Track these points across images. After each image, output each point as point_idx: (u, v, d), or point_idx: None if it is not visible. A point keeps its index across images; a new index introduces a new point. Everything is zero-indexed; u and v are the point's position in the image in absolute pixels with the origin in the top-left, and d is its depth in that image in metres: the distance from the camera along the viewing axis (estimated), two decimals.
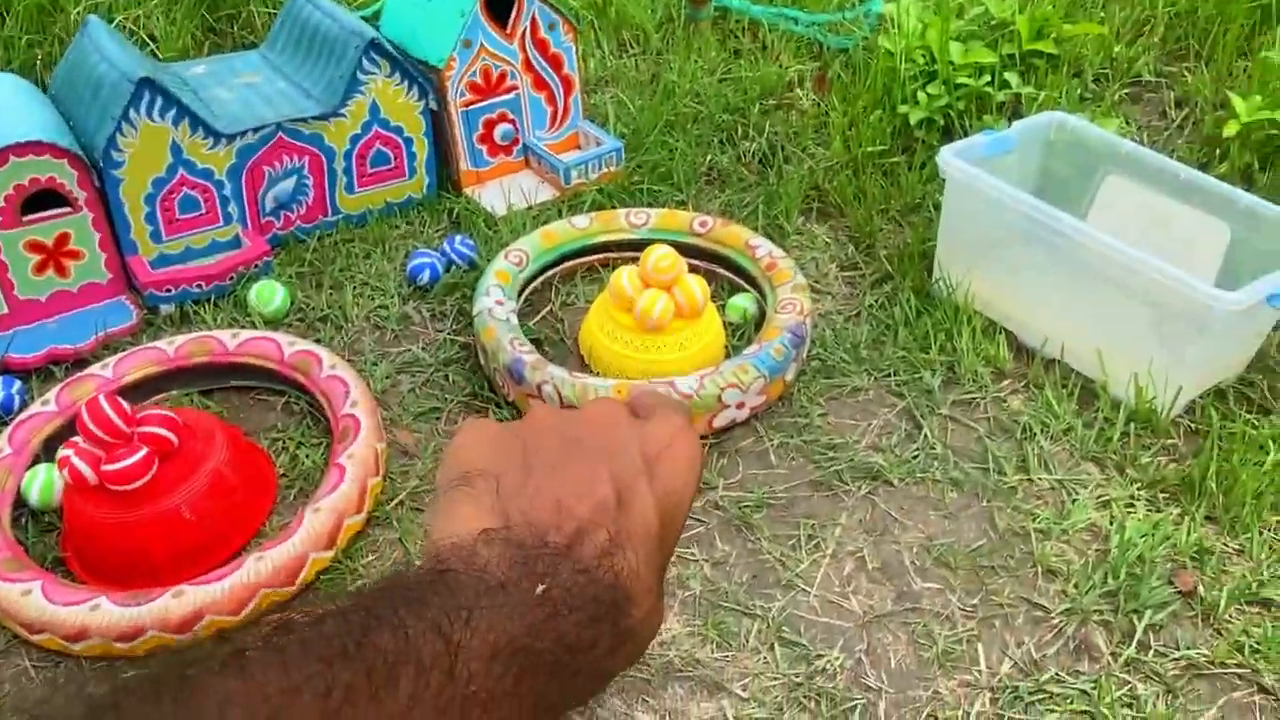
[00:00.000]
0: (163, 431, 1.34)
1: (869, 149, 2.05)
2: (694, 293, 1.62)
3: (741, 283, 1.80)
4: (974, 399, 1.57)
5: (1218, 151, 2.01)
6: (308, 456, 1.50)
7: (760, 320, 1.72)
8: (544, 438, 0.37)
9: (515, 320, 1.66)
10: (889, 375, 1.63)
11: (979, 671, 1.22)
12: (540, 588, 0.31)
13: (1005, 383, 1.61)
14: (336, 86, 1.87)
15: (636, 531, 0.34)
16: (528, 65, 2.04)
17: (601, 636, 0.32)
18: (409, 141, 1.98)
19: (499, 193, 2.03)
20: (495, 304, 1.65)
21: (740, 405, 1.53)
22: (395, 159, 1.98)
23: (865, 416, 1.56)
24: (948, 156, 1.63)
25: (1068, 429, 1.50)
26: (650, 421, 0.38)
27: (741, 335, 1.72)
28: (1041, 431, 1.50)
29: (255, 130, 1.82)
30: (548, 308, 1.80)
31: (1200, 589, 1.29)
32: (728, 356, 1.68)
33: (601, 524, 0.33)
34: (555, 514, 0.33)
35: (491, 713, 0.30)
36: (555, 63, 2.07)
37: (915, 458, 1.47)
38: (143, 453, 1.31)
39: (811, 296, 1.73)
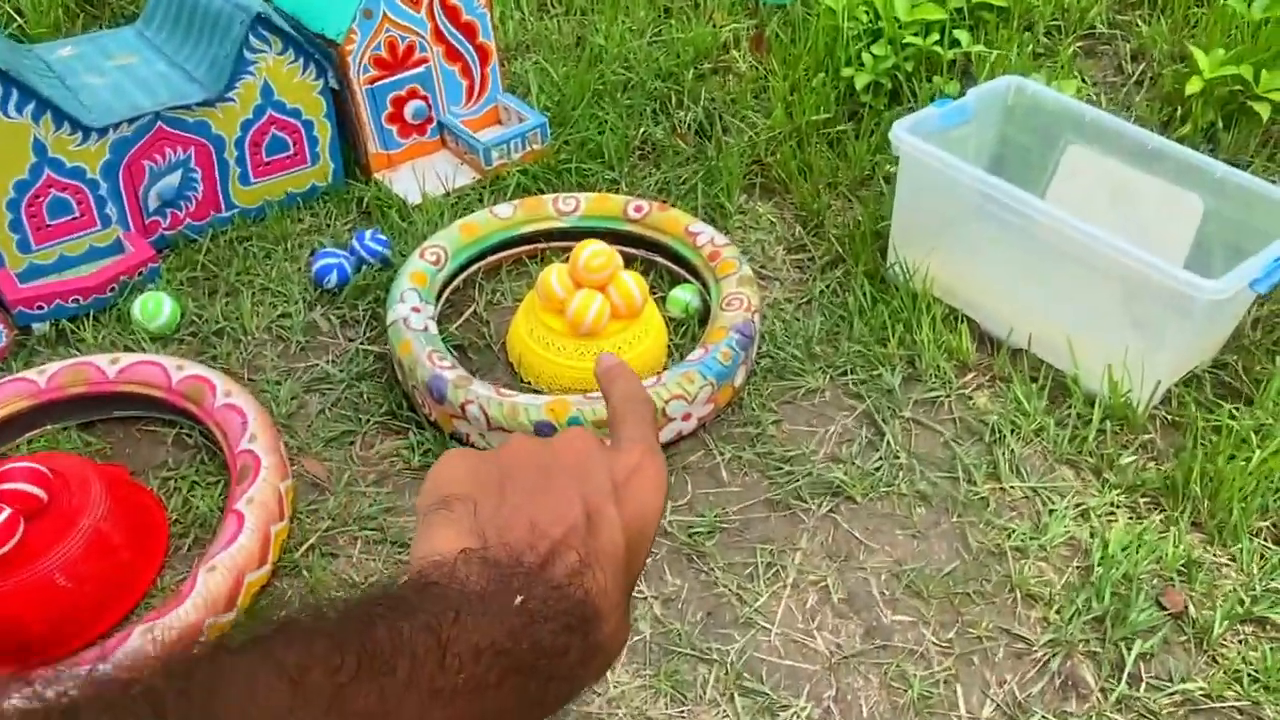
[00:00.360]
0: (28, 488, 1.17)
1: (812, 117, 1.90)
2: (631, 292, 1.47)
3: (683, 273, 1.65)
4: (938, 397, 1.45)
5: (1179, 110, 1.90)
6: (203, 498, 1.34)
7: (705, 314, 1.58)
8: (520, 465, 0.38)
9: (434, 328, 1.49)
10: (845, 373, 1.50)
11: (959, 717, 1.11)
12: (518, 599, 0.33)
13: (970, 377, 1.49)
14: (222, 67, 1.67)
15: (605, 552, 0.35)
16: (438, 35, 1.85)
17: (573, 646, 0.34)
18: (309, 125, 1.79)
19: (413, 178, 1.85)
20: (411, 311, 1.49)
21: (687, 417, 1.39)
22: (294, 145, 1.79)
23: (822, 422, 1.43)
24: (900, 133, 1.49)
25: (1039, 429, 1.39)
26: (619, 447, 0.40)
27: (684, 331, 1.58)
28: (1012, 433, 1.38)
29: (131, 121, 1.62)
30: (471, 309, 1.64)
31: (1190, 608, 1.19)
32: (670, 357, 1.54)
33: (572, 545, 0.35)
34: (529, 535, 0.35)
35: (476, 703, 0.31)
36: (468, 31, 1.88)
37: (878, 469, 1.35)
38: (5, 515, 1.14)
39: (759, 285, 1.59)
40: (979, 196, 1.43)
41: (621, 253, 1.67)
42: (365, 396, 1.50)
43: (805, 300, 1.64)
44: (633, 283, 1.47)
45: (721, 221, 1.78)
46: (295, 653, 0.30)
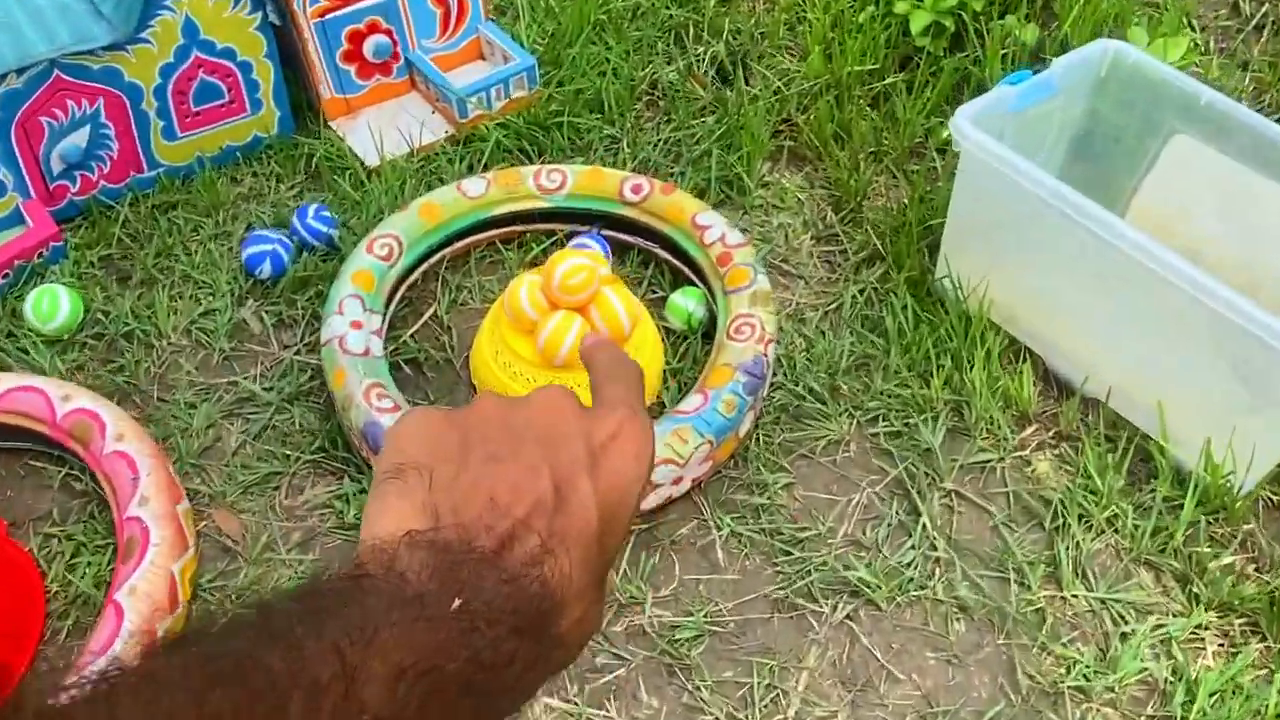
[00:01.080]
0: None
1: (855, 66, 1.57)
2: (617, 316, 1.19)
3: (687, 271, 1.37)
4: (988, 462, 1.18)
5: None
6: (88, 569, 1.11)
7: (710, 324, 1.30)
8: (485, 428, 0.34)
9: (380, 346, 1.23)
10: (877, 420, 1.22)
11: None
12: (457, 602, 0.29)
13: (1030, 432, 1.21)
14: (131, 4, 1.36)
15: (574, 530, 0.32)
16: None
17: (521, 652, 0.30)
18: (245, 67, 1.48)
19: (374, 130, 1.55)
20: (349, 328, 1.22)
21: (678, 480, 1.14)
22: (230, 91, 1.49)
23: (844, 488, 1.17)
24: (964, 125, 1.17)
25: (1114, 516, 1.12)
26: (598, 409, 0.36)
27: (684, 349, 1.30)
28: (1079, 519, 1.12)
29: (20, 71, 1.32)
30: (431, 308, 1.37)
31: None
32: (665, 386, 1.27)
33: (535, 526, 0.31)
34: (488, 512, 0.31)
35: None
36: None
37: (909, 563, 1.10)
38: None
39: (776, 298, 1.30)
40: (1057, 213, 1.12)
41: (615, 241, 1.39)
42: (297, 424, 1.25)
43: (833, 307, 1.36)
44: (619, 303, 1.19)
45: (739, 198, 1.48)
46: (146, 710, 0.26)
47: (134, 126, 1.44)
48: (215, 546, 1.14)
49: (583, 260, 1.17)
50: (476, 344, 1.28)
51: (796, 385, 1.26)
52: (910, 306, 1.31)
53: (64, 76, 1.35)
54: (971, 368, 1.23)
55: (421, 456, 0.33)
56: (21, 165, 1.38)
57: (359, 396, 1.16)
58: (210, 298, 1.37)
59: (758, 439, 1.21)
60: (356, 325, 1.23)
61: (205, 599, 1.10)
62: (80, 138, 1.40)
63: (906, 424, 1.21)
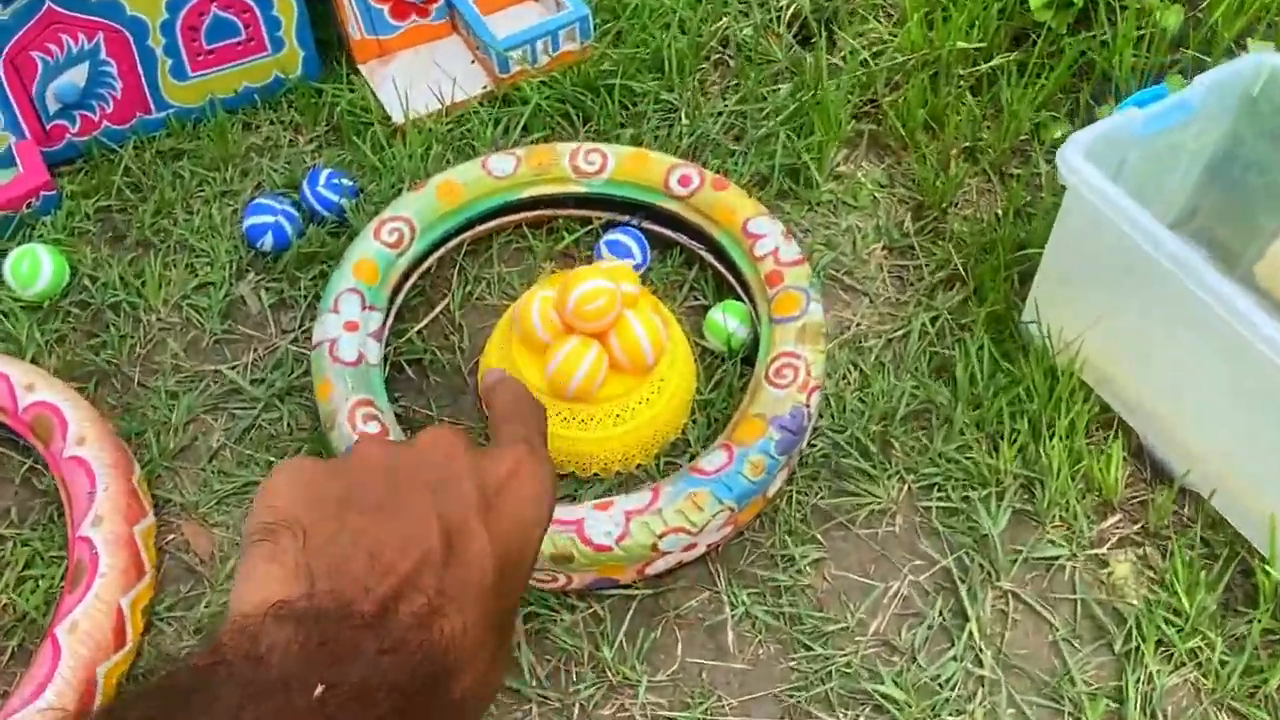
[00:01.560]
0: None
1: (960, 42, 1.35)
2: (640, 347, 1.03)
3: (732, 281, 1.19)
4: (1057, 559, 1.01)
5: None
6: (40, 583, 1.02)
7: (754, 346, 1.13)
8: (365, 477, 0.32)
9: (376, 351, 1.10)
10: (931, 489, 1.06)
11: None
12: (319, 690, 0.25)
13: (1111, 523, 1.03)
14: None
15: (469, 582, 0.29)
16: None
17: None
18: (264, 3, 1.32)
19: (404, 79, 1.38)
20: (343, 330, 1.09)
21: (691, 547, 1.00)
22: (248, 27, 1.34)
23: (882, 572, 1.01)
24: (1073, 159, 0.97)
25: (1199, 647, 0.95)
26: (492, 448, 0.34)
27: (718, 375, 1.14)
28: (1156, 646, 0.95)
29: (5, 3, 1.19)
30: (443, 302, 1.22)
31: None
32: (692, 419, 1.12)
33: (422, 581, 0.28)
34: (368, 572, 0.28)
35: None
36: None
37: (948, 679, 0.94)
38: None
39: (837, 302, 1.13)
40: (1171, 274, 0.92)
41: (656, 236, 1.22)
42: (286, 425, 1.13)
43: (898, 335, 1.18)
44: (643, 332, 1.03)
45: (805, 191, 1.29)
46: None
47: (139, 65, 1.30)
48: (180, 566, 1.04)
49: (603, 283, 1.01)
50: (486, 354, 1.14)
51: (842, 432, 1.10)
52: (988, 350, 1.12)
53: (56, 9, 1.21)
54: (1051, 437, 1.05)
55: (296, 512, 0.30)
56: (13, 103, 1.26)
57: (342, 415, 1.03)
58: (207, 268, 1.24)
59: (789, 498, 1.06)
60: (351, 326, 1.09)
61: (162, 629, 1.00)
62: (78, 75, 1.27)
63: (965, 499, 1.04)
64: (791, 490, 1.06)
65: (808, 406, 1.03)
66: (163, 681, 0.26)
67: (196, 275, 1.24)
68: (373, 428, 1.02)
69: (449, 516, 0.30)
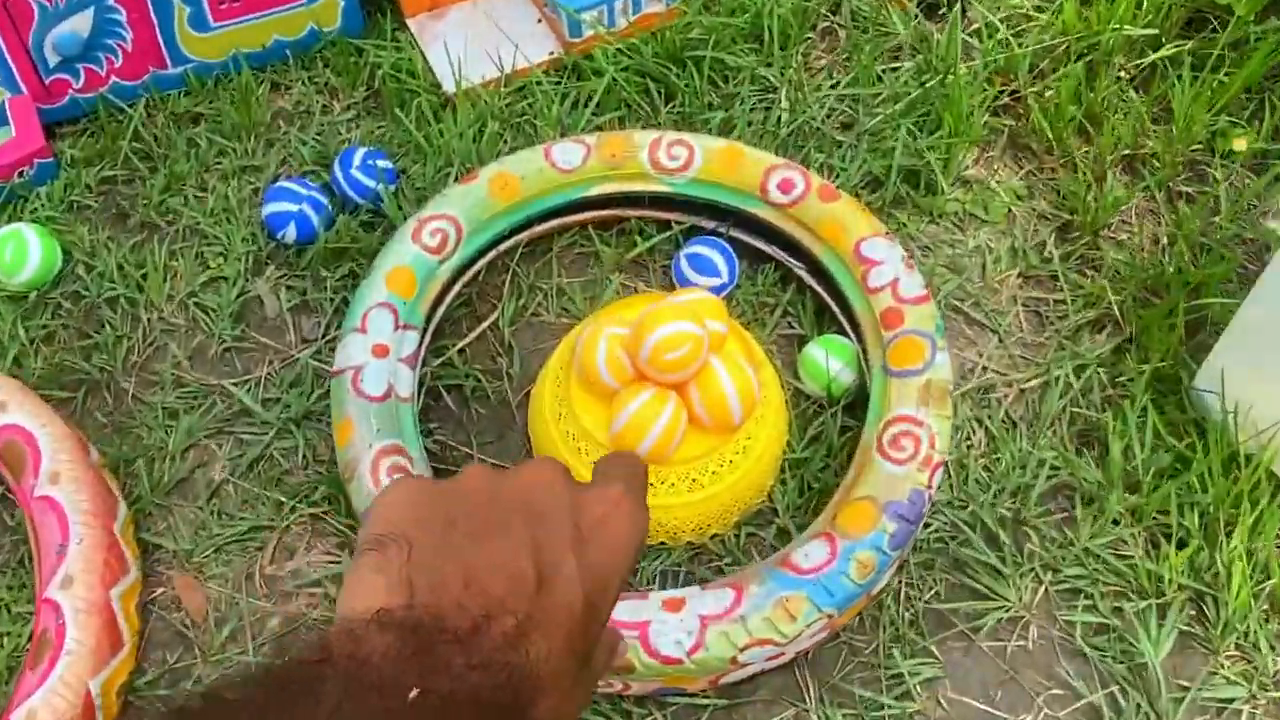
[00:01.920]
0: None
1: (1126, 28, 1.11)
2: (726, 402, 0.84)
3: (837, 311, 1.00)
4: (1233, 701, 0.81)
5: None
6: (4, 640, 0.86)
7: (859, 394, 0.94)
8: (471, 501, 0.33)
9: (409, 382, 0.92)
10: (1076, 593, 0.86)
11: None
12: (414, 692, 0.27)
13: None
14: None
15: (557, 613, 0.30)
16: None
17: None
18: None
19: (457, 39, 1.18)
20: (370, 357, 0.91)
21: (777, 656, 0.81)
22: None
23: (1011, 700, 0.83)
24: None
25: None
26: (591, 485, 0.35)
27: (818, 425, 0.95)
28: None
29: None
30: (492, 316, 1.04)
31: None
32: (781, 481, 0.93)
33: (513, 606, 0.30)
34: (464, 591, 0.30)
35: None
36: None
37: None
38: None
39: (959, 338, 0.93)
40: None
41: (747, 247, 1.03)
42: (301, 456, 0.96)
43: (1034, 386, 0.98)
44: (730, 384, 0.84)
45: (926, 198, 1.08)
46: None
47: (152, 12, 1.11)
48: (168, 629, 0.88)
49: (686, 327, 0.82)
50: (538, 390, 0.95)
51: (964, 509, 0.90)
52: (1151, 420, 0.92)
53: None
54: (1230, 541, 0.85)
55: (403, 526, 0.32)
56: (5, 53, 1.08)
57: (364, 465, 0.85)
58: (220, 260, 1.07)
59: (898, 593, 0.87)
60: (380, 351, 0.91)
61: (140, 707, 0.84)
62: (80, 24, 1.09)
63: (1118, 612, 0.85)
64: (901, 583, 0.87)
65: (930, 489, 0.84)
66: (267, 671, 0.28)
67: (207, 268, 1.06)
68: (405, 475, 0.85)
69: (544, 547, 0.31)
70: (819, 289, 1.01)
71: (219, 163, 1.13)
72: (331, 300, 1.04)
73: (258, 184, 1.11)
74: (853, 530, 0.81)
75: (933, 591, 0.87)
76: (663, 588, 0.89)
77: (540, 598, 0.30)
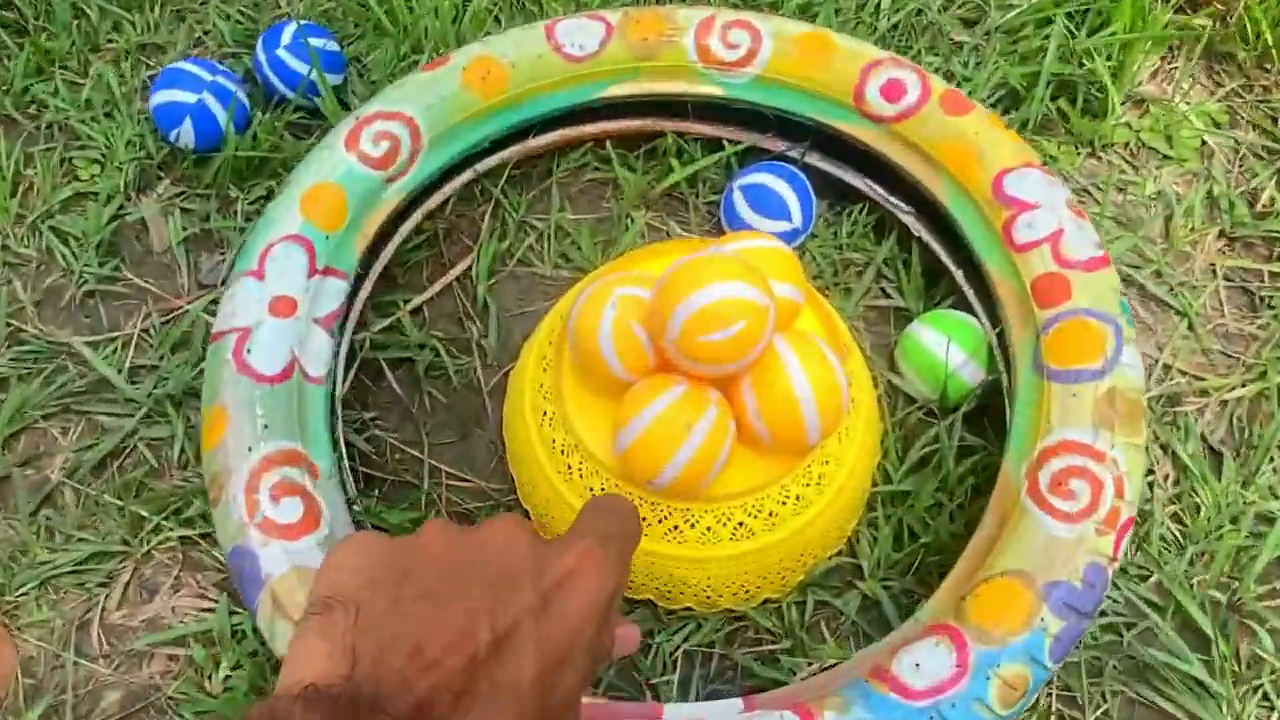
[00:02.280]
0: None
1: None
2: (799, 409, 0.54)
3: (960, 281, 0.68)
4: None
5: None
6: None
7: (987, 400, 0.64)
8: (426, 561, 0.31)
9: (327, 354, 0.62)
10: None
11: None
12: None
13: None
14: None
15: (509, 683, 0.29)
16: None
17: None
18: None
19: None
20: (267, 314, 0.61)
21: None
22: None
23: None
24: None
25: None
26: (559, 541, 0.32)
27: (922, 437, 0.64)
28: None
29: None
30: (463, 263, 0.74)
31: None
32: (865, 521, 0.63)
33: (463, 679, 0.27)
34: (408, 661, 0.28)
35: None
36: None
37: None
38: None
39: (1135, 323, 0.61)
40: None
41: (830, 180, 0.72)
42: (178, 452, 0.67)
43: (1242, 397, 0.66)
44: (805, 383, 0.53)
45: (1085, 123, 0.76)
46: None
47: None
48: None
49: (743, 290, 0.51)
50: (519, 373, 0.65)
51: (1145, 580, 0.60)
52: None
53: None
54: None
55: (353, 587, 0.29)
56: None
57: (237, 481, 0.56)
58: (95, 169, 0.77)
59: (1048, 709, 0.56)
60: (283, 308, 0.62)
61: None
62: None
63: None
64: (1051, 698, 0.57)
65: (1114, 561, 0.53)
66: None
67: (76, 179, 0.77)
68: (290, 512, 0.55)
69: (501, 615, 0.29)
70: (933, 243, 0.70)
71: (111, 40, 0.83)
72: (242, 230, 0.74)
73: (157, 69, 0.81)
74: (993, 627, 0.51)
75: (1101, 710, 0.56)
76: (685, 681, 0.59)
77: (493, 670, 0.28)
